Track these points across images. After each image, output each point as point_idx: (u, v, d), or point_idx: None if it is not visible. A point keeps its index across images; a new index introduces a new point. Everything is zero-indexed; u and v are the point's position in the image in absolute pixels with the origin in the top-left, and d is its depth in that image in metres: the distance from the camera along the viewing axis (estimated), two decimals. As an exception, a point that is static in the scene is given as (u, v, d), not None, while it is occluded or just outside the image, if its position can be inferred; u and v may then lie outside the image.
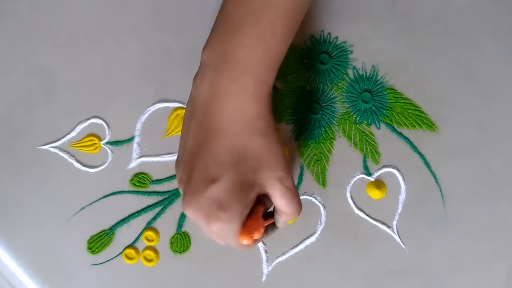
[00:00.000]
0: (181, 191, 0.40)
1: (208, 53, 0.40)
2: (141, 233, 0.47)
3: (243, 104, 0.39)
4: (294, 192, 0.39)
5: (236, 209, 0.38)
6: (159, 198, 0.48)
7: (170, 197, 0.48)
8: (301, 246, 0.47)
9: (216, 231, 0.38)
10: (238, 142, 0.38)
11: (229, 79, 0.38)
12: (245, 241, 0.38)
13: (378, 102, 0.48)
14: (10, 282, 0.48)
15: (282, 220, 0.41)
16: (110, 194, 0.48)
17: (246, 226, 0.39)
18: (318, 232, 0.47)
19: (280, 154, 0.39)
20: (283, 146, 0.40)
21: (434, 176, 0.47)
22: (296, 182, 0.48)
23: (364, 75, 0.49)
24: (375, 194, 0.47)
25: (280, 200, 0.39)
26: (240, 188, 0.38)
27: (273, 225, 0.42)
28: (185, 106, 0.49)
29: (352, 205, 0.47)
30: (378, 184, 0.47)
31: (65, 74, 0.50)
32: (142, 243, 0.47)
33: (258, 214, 0.40)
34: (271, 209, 0.42)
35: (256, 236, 0.39)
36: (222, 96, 0.39)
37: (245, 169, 0.38)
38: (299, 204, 0.40)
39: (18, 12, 0.51)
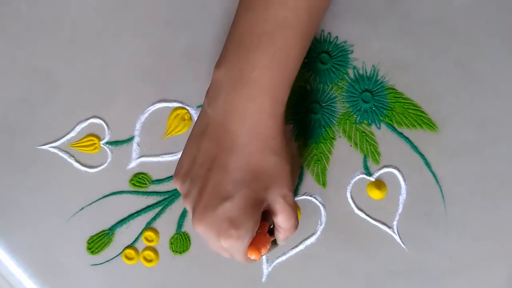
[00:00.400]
0: (188, 205, 0.41)
1: (222, 73, 0.40)
2: (140, 233, 0.47)
3: (259, 124, 0.39)
4: (294, 208, 0.40)
5: (247, 227, 0.38)
6: (159, 198, 0.48)
7: (170, 197, 0.48)
8: (301, 247, 0.47)
9: (226, 247, 0.39)
10: (252, 160, 0.39)
11: (245, 99, 0.39)
12: (253, 256, 0.39)
13: (379, 102, 0.48)
14: (9, 282, 0.48)
15: (280, 236, 0.41)
16: (110, 194, 0.48)
17: (255, 242, 0.40)
18: (318, 232, 0.47)
19: (288, 172, 0.40)
20: (291, 163, 0.41)
21: (435, 176, 0.47)
22: (296, 182, 0.48)
23: (365, 75, 0.49)
24: (375, 194, 0.47)
25: (280, 215, 0.40)
26: (252, 206, 0.39)
27: (273, 242, 0.43)
28: (185, 106, 0.49)
29: (353, 205, 0.47)
30: (379, 184, 0.47)
31: (65, 74, 0.50)
32: (141, 244, 0.47)
33: (264, 230, 0.41)
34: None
35: (263, 251, 0.40)
36: (238, 115, 0.39)
37: (257, 187, 0.39)
38: (296, 220, 0.41)
39: (18, 12, 0.51)
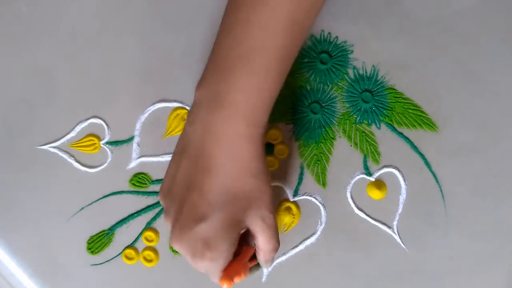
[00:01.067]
0: (168, 223, 0.41)
1: (202, 92, 0.40)
2: (140, 233, 0.47)
3: (235, 146, 0.39)
4: (274, 230, 0.40)
5: (222, 248, 0.38)
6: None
7: (170, 197, 0.48)
8: (301, 246, 0.47)
9: (201, 268, 0.39)
10: (229, 182, 0.39)
11: (222, 121, 0.39)
12: (225, 285, 0.39)
13: (379, 102, 0.48)
14: (9, 282, 0.48)
15: (261, 258, 0.41)
16: (110, 194, 0.48)
17: (230, 269, 0.39)
18: (318, 233, 0.47)
19: (268, 193, 0.40)
20: (270, 184, 0.41)
21: (435, 176, 0.47)
22: (296, 183, 0.48)
23: (365, 75, 0.49)
24: (375, 194, 0.47)
25: (259, 237, 0.40)
26: (228, 227, 0.38)
27: (258, 264, 0.43)
28: (185, 106, 0.49)
29: (353, 205, 0.47)
30: (379, 184, 0.47)
31: (65, 74, 0.50)
32: (141, 243, 0.47)
33: (245, 257, 0.41)
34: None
35: (237, 280, 0.39)
36: (215, 136, 0.39)
37: (234, 209, 0.39)
38: (277, 242, 0.41)
39: (18, 12, 0.51)
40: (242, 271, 0.40)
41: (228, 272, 0.39)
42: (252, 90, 0.39)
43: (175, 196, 0.40)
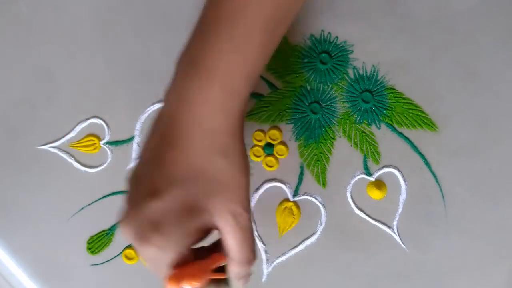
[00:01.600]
0: (123, 207, 0.35)
1: (180, 59, 0.36)
2: (140, 233, 0.48)
3: (207, 117, 0.34)
4: (249, 236, 0.34)
5: (173, 236, 0.32)
6: (159, 198, 0.48)
7: (170, 197, 0.48)
8: (301, 247, 0.47)
9: (147, 257, 0.33)
10: (195, 159, 0.34)
11: (195, 88, 0.34)
12: (169, 287, 0.32)
13: (379, 102, 0.48)
14: (9, 282, 0.48)
15: (231, 270, 0.34)
16: (110, 194, 0.48)
17: (182, 269, 0.32)
18: (318, 233, 0.47)
19: (242, 184, 0.34)
20: (249, 176, 0.35)
21: (435, 176, 0.47)
22: (296, 183, 0.48)
23: (365, 74, 0.49)
24: (375, 194, 0.47)
25: (229, 240, 0.34)
26: (185, 213, 0.33)
27: (225, 283, 0.35)
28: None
29: (353, 205, 0.47)
30: (379, 184, 0.47)
31: (65, 74, 0.50)
32: (141, 243, 0.47)
33: (210, 263, 0.34)
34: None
35: (186, 285, 0.32)
36: (187, 106, 0.34)
37: (196, 191, 0.33)
38: (252, 252, 0.34)
39: (18, 12, 0.51)
40: (198, 276, 0.32)
41: (179, 273, 0.32)
42: (232, 55, 0.34)
43: (135, 174, 0.35)
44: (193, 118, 0.34)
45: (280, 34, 0.37)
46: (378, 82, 0.48)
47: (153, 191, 0.33)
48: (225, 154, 0.34)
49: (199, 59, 0.34)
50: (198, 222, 0.33)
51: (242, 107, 0.35)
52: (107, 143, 0.49)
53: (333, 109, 0.48)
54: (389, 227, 0.47)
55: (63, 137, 0.49)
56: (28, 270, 0.48)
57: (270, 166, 0.48)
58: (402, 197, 0.47)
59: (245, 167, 0.35)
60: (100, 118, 0.49)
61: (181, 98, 0.34)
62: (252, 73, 0.35)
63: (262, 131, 0.48)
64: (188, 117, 0.34)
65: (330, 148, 0.48)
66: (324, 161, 0.48)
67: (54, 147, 0.49)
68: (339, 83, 0.49)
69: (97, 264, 0.47)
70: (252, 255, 0.34)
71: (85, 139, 0.49)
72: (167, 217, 0.32)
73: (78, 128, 0.49)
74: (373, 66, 0.49)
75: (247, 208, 0.34)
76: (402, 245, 0.47)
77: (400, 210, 0.47)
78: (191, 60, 0.35)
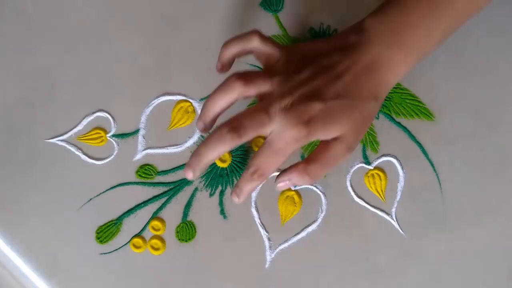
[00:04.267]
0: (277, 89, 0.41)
1: (376, 25, 0.42)
2: (147, 223, 0.48)
3: (399, 76, 0.43)
4: (334, 162, 0.42)
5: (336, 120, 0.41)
6: (165, 188, 0.49)
7: (175, 187, 0.48)
8: (303, 234, 0.48)
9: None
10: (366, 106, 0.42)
11: (397, 59, 0.42)
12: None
13: (377, 92, 0.49)
14: (16, 274, 0.48)
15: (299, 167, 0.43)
16: (117, 186, 0.49)
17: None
18: (320, 220, 0.48)
19: (367, 124, 0.43)
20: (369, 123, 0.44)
21: (432, 164, 0.48)
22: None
23: (363, 66, 0.49)
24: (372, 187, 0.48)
25: (325, 152, 0.42)
26: (343, 112, 0.41)
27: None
28: (188, 99, 0.50)
29: (352, 193, 0.48)
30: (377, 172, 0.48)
31: (71, 70, 0.51)
32: (149, 232, 0.48)
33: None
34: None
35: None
36: (384, 65, 0.42)
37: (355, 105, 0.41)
38: (324, 171, 0.43)
39: (19, 12, 0.52)
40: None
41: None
42: (431, 34, 0.43)
43: (318, 66, 0.42)
44: (388, 77, 0.42)
45: (458, 25, 0.45)
46: (376, 73, 0.49)
47: (337, 75, 0.41)
48: (378, 99, 0.42)
49: (401, 32, 0.42)
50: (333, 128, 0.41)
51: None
52: (113, 135, 0.50)
53: (332, 100, 0.49)
54: (387, 214, 0.48)
55: (70, 130, 0.50)
56: (37, 260, 0.48)
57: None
58: (400, 184, 0.48)
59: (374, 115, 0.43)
60: (106, 112, 0.50)
61: (380, 61, 0.42)
62: (444, 37, 0.44)
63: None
64: (385, 75, 0.42)
65: (330, 138, 0.48)
66: (324, 150, 0.48)
67: (61, 140, 0.50)
68: (338, 75, 0.49)
69: (106, 253, 0.48)
70: (321, 174, 0.42)
71: (92, 132, 0.50)
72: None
73: (85, 122, 0.50)
74: (371, 57, 0.49)
75: (353, 148, 0.42)
76: (400, 231, 0.47)
77: (398, 197, 0.48)
78: (392, 31, 0.42)
